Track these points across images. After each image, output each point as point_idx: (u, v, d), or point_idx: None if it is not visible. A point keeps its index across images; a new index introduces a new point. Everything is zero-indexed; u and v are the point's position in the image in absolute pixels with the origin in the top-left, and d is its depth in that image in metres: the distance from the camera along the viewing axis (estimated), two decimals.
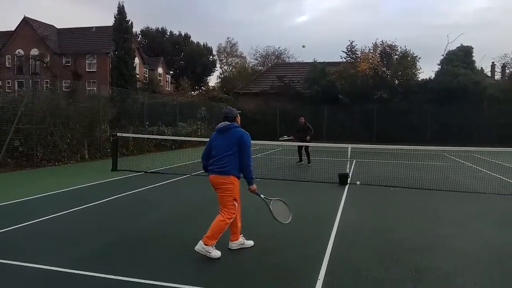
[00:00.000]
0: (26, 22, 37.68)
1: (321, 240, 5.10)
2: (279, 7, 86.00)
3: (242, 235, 4.84)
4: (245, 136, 4.55)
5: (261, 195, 4.79)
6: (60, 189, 8.40)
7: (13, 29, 38.35)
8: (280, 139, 13.87)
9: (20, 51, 37.51)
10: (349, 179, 9.84)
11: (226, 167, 4.50)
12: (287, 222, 4.81)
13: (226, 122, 4.66)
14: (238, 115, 4.78)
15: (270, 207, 4.76)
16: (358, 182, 9.73)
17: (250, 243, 4.86)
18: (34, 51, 36.39)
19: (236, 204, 4.60)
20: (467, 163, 14.90)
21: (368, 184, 9.65)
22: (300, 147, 13.80)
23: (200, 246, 4.39)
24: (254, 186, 4.67)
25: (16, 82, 33.92)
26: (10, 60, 37.97)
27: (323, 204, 7.62)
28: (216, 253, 4.42)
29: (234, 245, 4.75)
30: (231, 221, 4.55)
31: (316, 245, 4.95)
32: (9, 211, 6.59)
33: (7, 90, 27.78)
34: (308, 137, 13.27)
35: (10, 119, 11.73)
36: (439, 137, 24.21)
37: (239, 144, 4.50)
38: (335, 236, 5.30)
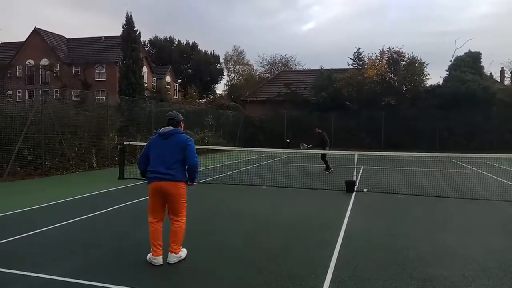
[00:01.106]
0: (36, 32, 38.37)
1: (327, 248, 5.06)
2: (285, 15, 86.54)
3: (183, 248, 4.71)
4: (190, 140, 4.56)
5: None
6: (68, 198, 8.46)
7: (24, 40, 39.06)
8: (301, 147, 13.78)
9: (30, 61, 38.13)
10: (356, 186, 9.77)
11: (177, 174, 4.45)
12: None
13: (170, 127, 4.56)
14: (182, 122, 4.75)
15: None
16: (365, 190, 9.66)
17: (185, 252, 4.71)
18: (44, 61, 36.98)
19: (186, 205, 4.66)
20: (476, 169, 14.72)
21: (376, 191, 9.57)
22: (323, 156, 13.83)
23: (172, 258, 4.45)
24: (196, 182, 4.70)
25: (26, 92, 34.45)
26: (20, 70, 38.61)
27: (329, 211, 7.57)
28: (185, 252, 4.63)
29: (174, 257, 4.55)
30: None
31: (322, 252, 4.91)
32: (16, 220, 6.65)
33: (17, 100, 28.18)
34: (328, 147, 13.45)
35: (19, 128, 11.88)
36: (448, 143, 24.01)
37: (185, 149, 4.45)
38: (341, 244, 5.25)
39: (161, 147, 4.51)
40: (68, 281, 3.95)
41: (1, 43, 43.21)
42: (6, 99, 17.51)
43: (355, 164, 10.30)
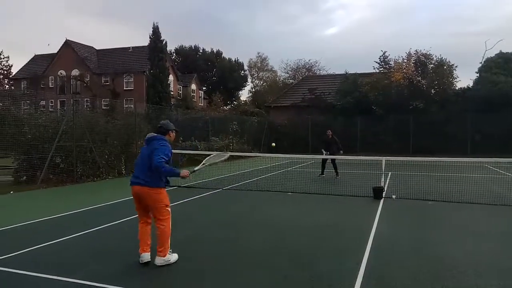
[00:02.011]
0: (67, 44, 39.83)
1: (355, 255, 4.96)
2: (307, 20, 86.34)
3: (170, 250, 4.67)
4: (162, 144, 4.49)
5: (195, 169, 4.87)
6: (99, 204, 8.68)
7: (56, 52, 40.62)
8: (324, 153, 13.70)
9: (62, 72, 39.59)
10: (384, 192, 9.56)
11: (152, 180, 4.49)
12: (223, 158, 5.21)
13: (154, 133, 4.67)
14: (174, 131, 4.75)
15: (206, 163, 5.03)
16: (393, 196, 9.44)
17: (175, 256, 4.68)
18: (75, 72, 38.32)
19: (169, 209, 4.65)
20: (511, 174, 14.13)
21: (405, 198, 9.33)
22: (324, 160, 13.74)
23: (160, 261, 4.49)
24: (184, 172, 4.55)
25: (58, 102, 35.74)
26: (53, 81, 40.13)
27: (357, 218, 7.42)
28: (175, 257, 4.63)
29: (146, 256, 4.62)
30: (170, 225, 4.61)
31: (350, 260, 4.82)
32: (48, 226, 6.87)
33: (50, 109, 29.30)
34: (341, 151, 13.21)
35: (52, 137, 12.32)
36: (480, 147, 23.12)
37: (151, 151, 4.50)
38: (369, 252, 5.14)
39: (142, 153, 4.67)
40: (93, 285, 4.03)
41: (35, 55, 45.11)
42: (39, 109, 18.23)
43: (383, 170, 10.09)
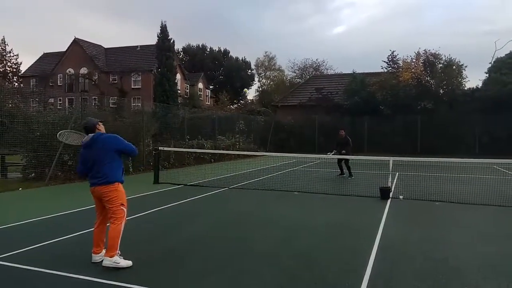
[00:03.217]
0: (76, 42, 40.13)
1: (361, 256, 4.94)
2: (315, 19, 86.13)
3: (119, 253, 4.55)
4: (116, 138, 4.69)
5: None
6: None
7: (65, 50, 40.93)
8: (328, 154, 13.75)
9: (70, 70, 39.91)
10: (391, 193, 9.50)
11: (107, 177, 4.54)
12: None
13: (89, 135, 4.65)
14: (99, 122, 4.77)
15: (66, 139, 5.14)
16: (401, 197, 9.38)
17: (128, 263, 4.51)
18: (83, 70, 38.61)
19: (123, 208, 4.62)
20: None
21: (412, 198, 9.27)
22: (340, 160, 13.69)
23: (107, 261, 4.42)
24: None
25: (66, 100, 36.03)
26: (61, 79, 40.45)
27: (363, 218, 7.39)
28: (126, 262, 4.46)
29: (97, 257, 4.59)
30: (123, 224, 4.57)
31: (356, 261, 4.80)
32: (56, 223, 6.94)
33: (58, 107, 29.53)
34: (344, 151, 13.14)
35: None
36: (489, 148, 22.90)
37: (117, 149, 4.65)
38: (376, 253, 5.11)
39: (88, 155, 4.63)
40: (103, 283, 4.07)
41: (44, 53, 45.53)
42: (48, 107, 18.38)
43: (390, 170, 10.04)
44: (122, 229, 4.55)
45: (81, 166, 4.76)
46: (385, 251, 5.20)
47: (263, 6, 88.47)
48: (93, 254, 4.64)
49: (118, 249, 4.50)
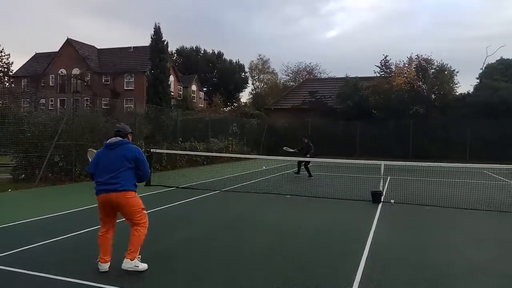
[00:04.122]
0: (69, 43, 39.82)
1: (352, 261, 4.95)
2: (308, 22, 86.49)
3: (139, 257, 4.49)
4: (140, 152, 4.62)
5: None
6: (96, 204, 8.64)
7: (57, 50, 40.60)
8: (284, 148, 15.34)
9: (62, 71, 39.58)
10: (382, 197, 9.55)
11: (125, 183, 4.42)
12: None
13: (118, 137, 4.60)
14: (130, 134, 4.82)
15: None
16: (392, 201, 9.42)
17: (144, 266, 4.47)
18: (76, 71, 38.31)
19: (145, 212, 4.63)
20: (509, 181, 14.13)
21: (403, 202, 9.32)
22: (300, 162, 14.94)
23: (127, 264, 4.38)
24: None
25: (58, 100, 35.73)
26: (53, 79, 40.10)
27: (354, 222, 7.41)
28: (144, 266, 4.46)
29: (106, 266, 4.45)
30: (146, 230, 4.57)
31: (346, 265, 4.81)
32: (46, 224, 6.85)
33: (49, 108, 29.30)
34: (308, 154, 14.43)
35: (51, 135, 12.30)
36: (479, 153, 23.15)
37: (136, 161, 4.52)
38: (367, 257, 5.12)
39: (107, 158, 4.50)
40: (97, 286, 4.03)
41: (36, 53, 45.12)
42: (39, 108, 18.22)
43: (382, 174, 10.09)
44: (146, 232, 4.60)
45: (93, 167, 4.62)
46: (376, 255, 5.21)
47: (256, 9, 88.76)
48: (101, 263, 4.44)
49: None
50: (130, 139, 4.79)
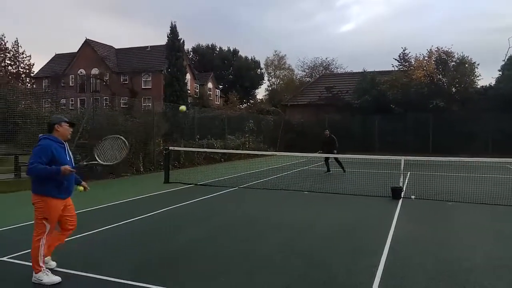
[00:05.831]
0: (87, 43, 40.56)
1: (372, 257, 4.90)
2: (323, 16, 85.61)
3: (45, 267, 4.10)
4: (39, 143, 4.00)
5: (84, 163, 4.54)
6: (119, 201, 8.82)
7: (76, 51, 41.39)
8: (319, 152, 14.19)
9: (82, 71, 40.35)
10: (403, 193, 9.42)
11: (32, 184, 4.06)
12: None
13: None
14: (62, 123, 4.15)
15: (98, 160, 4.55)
16: (412, 196, 9.28)
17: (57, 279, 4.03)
18: (95, 71, 39.00)
19: (45, 223, 4.04)
20: None
21: (424, 198, 9.17)
22: (326, 159, 14.49)
23: (33, 277, 4.02)
24: (65, 168, 3.96)
25: (78, 100, 36.43)
26: (73, 80, 40.91)
27: (374, 218, 7.33)
28: (52, 279, 3.99)
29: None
30: (42, 242, 4.03)
31: (367, 261, 4.76)
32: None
33: (70, 108, 29.89)
34: (335, 150, 13.92)
35: (72, 135, 12.52)
36: (502, 147, 22.53)
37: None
38: (387, 253, 5.07)
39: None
40: (115, 281, 4.10)
41: (56, 54, 46.09)
42: (60, 107, 18.60)
43: (402, 170, 9.95)
44: (39, 244, 4.09)
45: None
46: (397, 251, 5.15)
47: (271, 4, 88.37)
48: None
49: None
50: (62, 129, 4.16)
